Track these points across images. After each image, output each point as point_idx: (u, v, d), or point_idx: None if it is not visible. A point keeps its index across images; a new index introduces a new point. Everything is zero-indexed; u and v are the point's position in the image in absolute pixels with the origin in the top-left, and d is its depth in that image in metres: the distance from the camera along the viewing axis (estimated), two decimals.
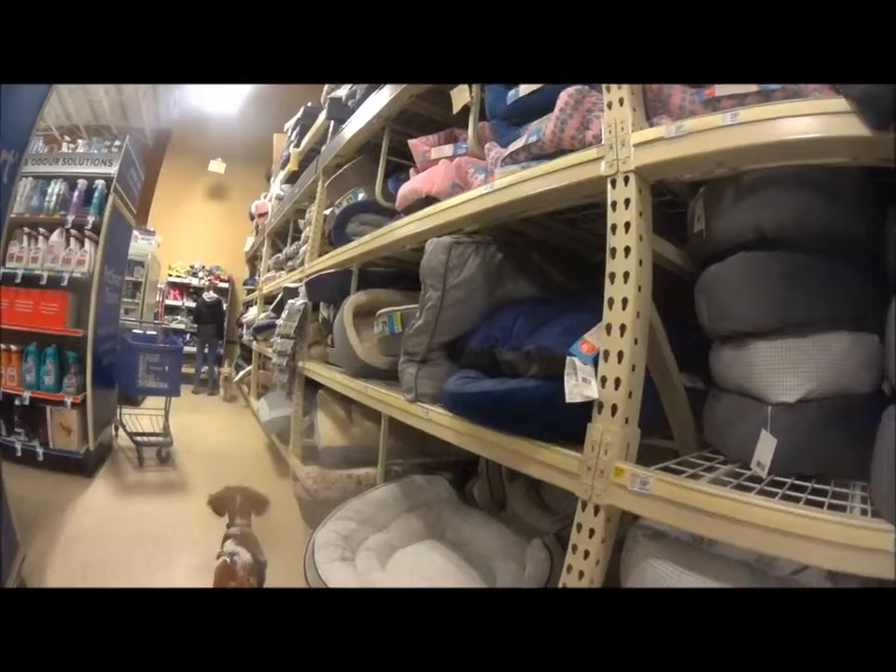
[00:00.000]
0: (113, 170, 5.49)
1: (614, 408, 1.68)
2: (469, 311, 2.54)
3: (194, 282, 14.30)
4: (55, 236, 5.33)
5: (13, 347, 5.10)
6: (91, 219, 5.33)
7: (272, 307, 7.37)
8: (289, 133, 7.98)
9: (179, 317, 13.85)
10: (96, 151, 5.78)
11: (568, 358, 1.78)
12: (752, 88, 1.60)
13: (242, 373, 10.94)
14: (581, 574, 1.70)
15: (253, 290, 11.29)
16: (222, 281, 14.48)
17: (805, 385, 1.58)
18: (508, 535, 2.85)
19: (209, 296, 12.52)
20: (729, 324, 1.78)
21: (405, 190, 3.21)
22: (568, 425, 1.84)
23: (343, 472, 3.90)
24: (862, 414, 1.52)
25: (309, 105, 7.18)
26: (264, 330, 7.45)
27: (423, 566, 2.76)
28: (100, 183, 5.44)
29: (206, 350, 12.21)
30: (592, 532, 1.68)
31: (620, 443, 1.65)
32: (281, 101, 9.92)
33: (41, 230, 5.38)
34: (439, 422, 2.49)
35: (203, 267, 14.67)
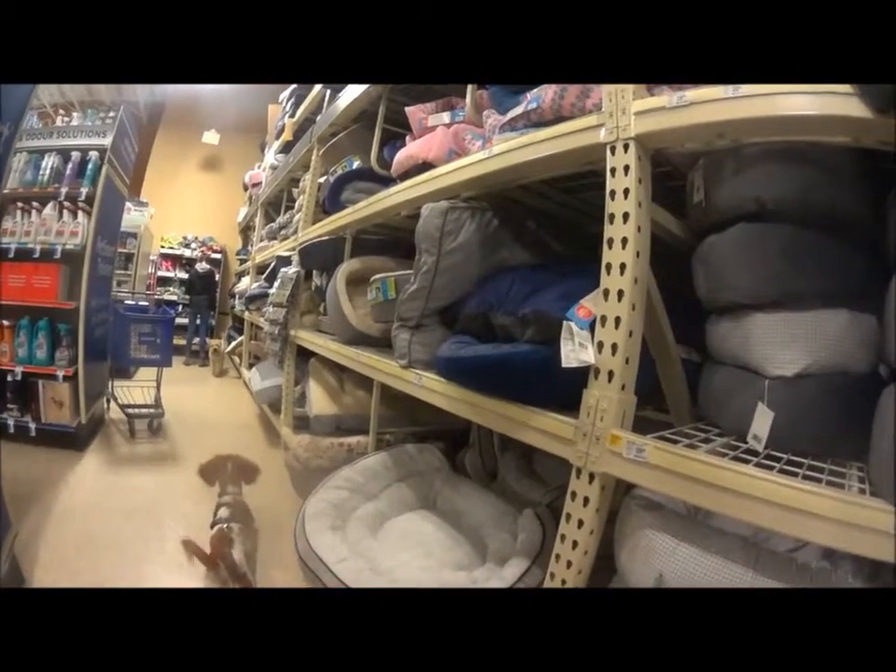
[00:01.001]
0: (107, 141, 5.44)
1: (610, 374, 1.66)
2: (463, 276, 2.53)
3: (187, 253, 14.22)
4: (48, 209, 5.30)
5: (5, 322, 5.06)
6: (84, 191, 5.26)
7: (264, 276, 7.37)
8: (284, 104, 7.92)
9: (172, 289, 13.80)
10: (90, 123, 5.77)
11: (565, 323, 1.76)
12: None
13: (233, 344, 10.90)
14: (575, 544, 1.71)
15: (246, 261, 11.25)
16: (215, 252, 14.41)
17: (804, 359, 1.58)
18: (499, 505, 2.88)
19: (202, 267, 12.57)
20: (727, 294, 1.78)
21: (401, 157, 3.18)
22: (563, 391, 1.81)
23: (335, 440, 3.93)
24: (860, 393, 1.52)
25: None
26: (256, 300, 7.44)
27: (414, 535, 2.79)
28: (93, 154, 5.39)
29: (198, 321, 12.24)
30: (586, 500, 1.68)
31: (616, 410, 1.64)
32: None
33: (35, 203, 5.35)
34: (431, 388, 2.48)
35: (196, 238, 14.61)
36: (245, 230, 12.90)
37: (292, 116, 7.09)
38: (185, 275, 13.52)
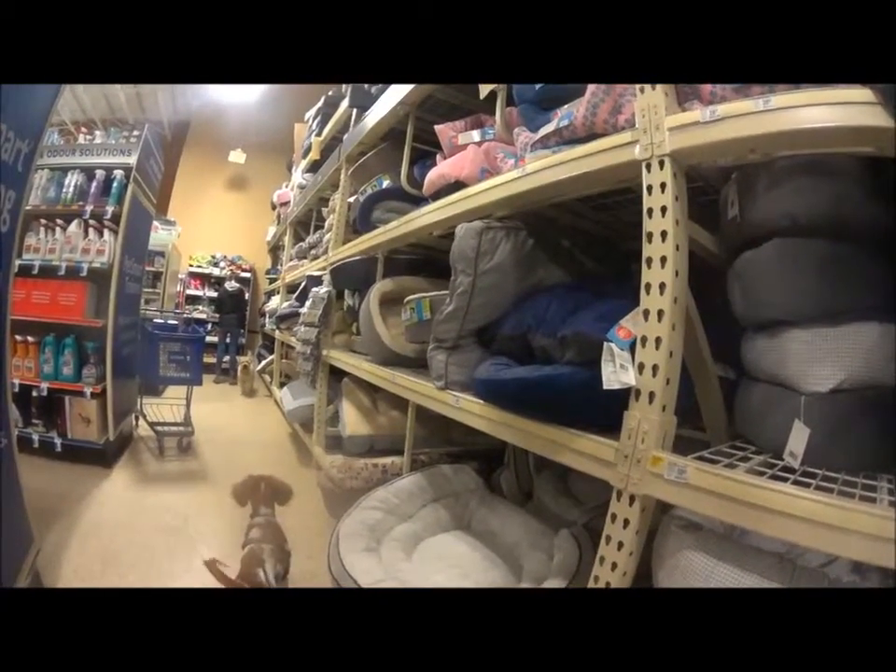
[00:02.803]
0: (132, 160, 5.48)
1: (651, 395, 1.66)
2: (500, 297, 2.54)
3: (215, 272, 14.32)
4: (73, 227, 5.34)
5: (30, 339, 5.11)
6: (110, 209, 5.31)
7: (295, 296, 7.39)
8: (310, 122, 7.99)
9: (201, 307, 13.89)
10: (114, 142, 5.83)
11: (606, 344, 1.77)
12: None
13: (264, 363, 10.97)
14: (615, 565, 1.71)
15: (275, 280, 11.31)
16: (244, 271, 14.51)
17: (838, 374, 1.57)
18: (535, 525, 2.86)
19: (231, 285, 12.62)
20: (763, 311, 1.79)
21: (433, 176, 3.20)
22: (603, 412, 1.83)
23: (369, 461, 3.94)
24: (890, 407, 1.53)
25: (330, 93, 7.18)
26: (287, 319, 7.46)
27: (449, 556, 2.79)
28: (118, 173, 5.44)
29: (228, 340, 12.31)
30: (626, 522, 1.68)
31: (657, 431, 1.64)
32: (300, 90, 9.89)
33: (58, 221, 5.39)
34: (470, 410, 2.48)
35: (225, 257, 14.72)
36: (275, 249, 12.99)
37: (319, 134, 7.15)
38: (214, 294, 13.63)
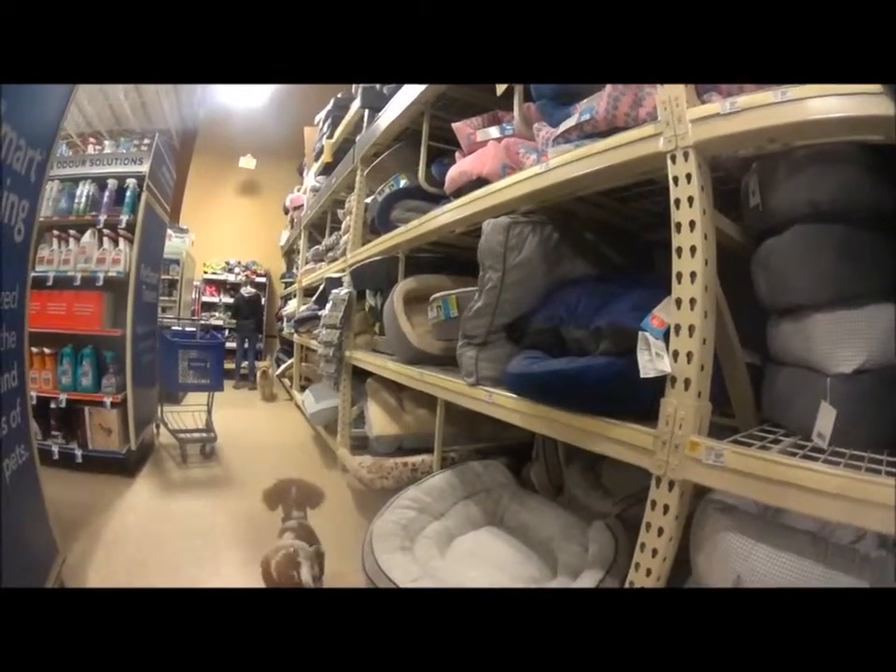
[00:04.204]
0: (144, 168, 5.50)
1: (687, 382, 1.72)
2: (528, 291, 2.59)
3: (230, 278, 14.42)
4: (87, 237, 5.36)
5: (46, 350, 5.12)
6: (124, 218, 5.34)
7: (314, 298, 7.42)
8: (321, 125, 8.06)
9: (217, 314, 13.98)
10: (125, 150, 5.83)
11: (641, 334, 1.83)
12: None
13: (283, 367, 11.03)
14: (655, 552, 1.76)
15: (291, 284, 11.36)
16: (259, 276, 14.61)
17: (860, 355, 1.66)
18: (568, 518, 2.89)
19: (247, 291, 12.72)
20: (787, 296, 1.87)
21: (454, 173, 3.24)
22: (638, 401, 1.89)
23: (399, 460, 3.95)
24: None
25: (339, 95, 7.24)
26: (306, 322, 7.49)
27: (483, 552, 2.81)
28: (131, 182, 5.45)
29: (246, 345, 12.38)
30: (666, 508, 1.74)
31: (693, 417, 1.69)
32: (308, 94, 9.95)
33: (71, 231, 5.39)
34: (503, 405, 2.53)
35: (239, 263, 14.81)
36: (289, 253, 13.02)
37: (330, 137, 7.22)
38: (230, 300, 13.75)
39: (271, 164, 14.38)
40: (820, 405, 1.68)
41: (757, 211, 1.97)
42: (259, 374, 11.01)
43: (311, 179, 9.09)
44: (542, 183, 2.42)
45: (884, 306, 1.67)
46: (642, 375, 1.77)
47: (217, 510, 4.47)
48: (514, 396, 2.46)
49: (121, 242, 5.39)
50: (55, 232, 5.38)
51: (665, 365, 1.75)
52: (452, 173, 3.28)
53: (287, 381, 10.91)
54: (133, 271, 5.33)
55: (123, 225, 5.37)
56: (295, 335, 8.98)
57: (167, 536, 3.86)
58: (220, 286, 14.52)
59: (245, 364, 12.31)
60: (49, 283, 5.11)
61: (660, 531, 1.75)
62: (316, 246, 8.24)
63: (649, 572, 1.78)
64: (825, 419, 1.65)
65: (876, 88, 1.37)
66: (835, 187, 1.72)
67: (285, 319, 10.76)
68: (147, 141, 5.82)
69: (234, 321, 12.81)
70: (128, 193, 5.44)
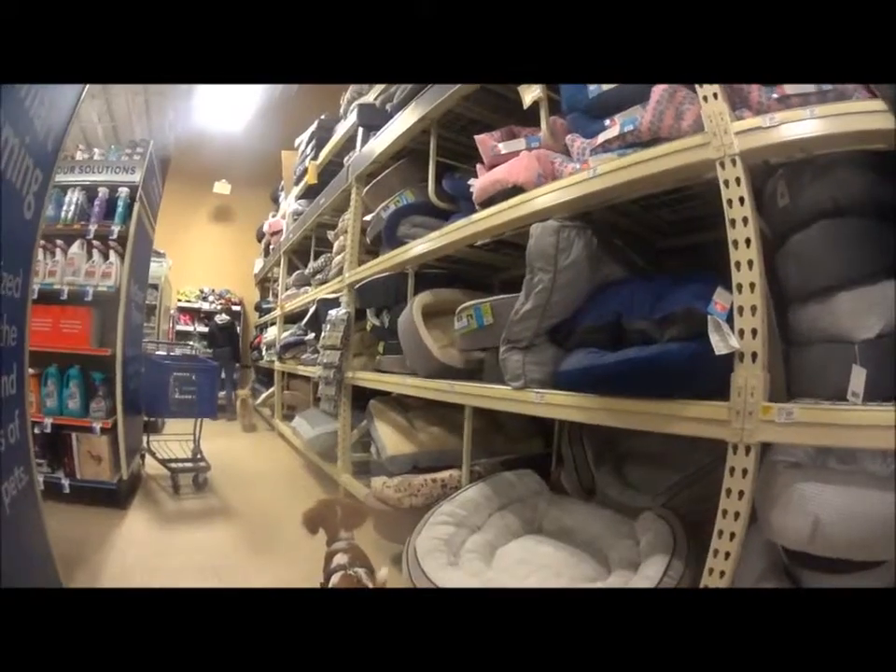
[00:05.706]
0: (137, 178, 5.33)
1: (754, 355, 1.99)
2: (576, 292, 2.70)
3: (205, 306, 14.43)
4: (75, 248, 5.16)
5: (30, 370, 4.86)
6: (115, 229, 5.12)
7: (301, 323, 7.42)
8: (303, 148, 8.11)
9: (192, 343, 13.80)
10: (115, 159, 5.64)
11: (710, 317, 2.09)
12: (811, 88, 2.03)
13: (263, 396, 10.97)
14: (737, 515, 1.98)
15: (268, 311, 11.33)
16: (234, 304, 14.55)
17: (880, 322, 1.96)
18: (610, 515, 3.00)
19: (221, 318, 12.61)
20: (816, 280, 2.15)
21: (485, 183, 3.28)
22: (706, 381, 2.16)
23: (428, 477, 3.91)
24: None
25: (323, 117, 7.31)
26: (291, 348, 7.49)
27: (532, 559, 2.83)
28: (123, 191, 5.25)
29: (223, 374, 12.25)
30: (745, 472, 1.97)
31: (763, 386, 1.95)
32: (285, 119, 10.03)
33: (58, 241, 5.17)
34: (557, 403, 2.66)
35: (213, 291, 14.83)
36: (263, 281, 13.03)
37: (315, 158, 7.22)
38: (204, 329, 13.65)
39: (245, 190, 14.42)
40: (852, 368, 1.94)
41: (786, 210, 2.24)
42: (238, 404, 10.90)
43: (291, 203, 9.11)
44: (589, 189, 2.59)
45: (893, 282, 1.97)
46: (717, 353, 2.01)
47: (223, 542, 4.33)
48: (569, 393, 2.61)
49: (112, 254, 5.22)
50: (41, 242, 5.17)
51: (735, 342, 2.00)
52: (483, 182, 3.32)
53: (267, 410, 10.81)
54: (123, 286, 5.10)
55: (115, 237, 5.17)
56: (277, 362, 8.96)
57: (174, 571, 3.71)
58: (195, 314, 14.51)
59: (222, 394, 12.19)
60: (35, 296, 4.86)
61: (740, 494, 1.97)
62: (300, 271, 8.25)
63: (732, 536, 1.99)
64: (857, 379, 1.91)
65: (881, 105, 1.77)
66: (853, 186, 2.05)
67: (265, 347, 10.77)
68: (139, 150, 5.65)
69: (210, 350, 12.68)
70: (120, 203, 5.25)
